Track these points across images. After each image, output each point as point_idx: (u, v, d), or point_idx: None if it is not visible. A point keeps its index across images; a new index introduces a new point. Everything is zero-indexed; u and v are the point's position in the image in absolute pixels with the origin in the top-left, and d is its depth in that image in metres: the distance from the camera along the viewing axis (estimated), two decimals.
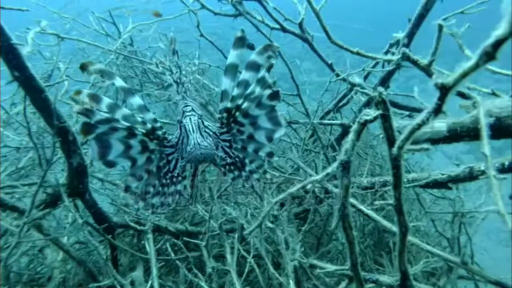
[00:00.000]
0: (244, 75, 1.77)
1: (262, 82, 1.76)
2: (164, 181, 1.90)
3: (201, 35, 2.93)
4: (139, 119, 1.71)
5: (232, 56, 1.76)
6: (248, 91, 1.77)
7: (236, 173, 2.01)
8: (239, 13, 2.80)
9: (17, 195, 2.28)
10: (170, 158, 1.89)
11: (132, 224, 2.35)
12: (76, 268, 2.37)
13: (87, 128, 1.65)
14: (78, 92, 1.59)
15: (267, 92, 1.80)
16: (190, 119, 1.80)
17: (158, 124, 1.78)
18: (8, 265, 2.19)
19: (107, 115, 1.63)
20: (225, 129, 1.91)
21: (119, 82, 1.68)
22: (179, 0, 2.90)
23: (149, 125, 1.74)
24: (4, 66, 1.70)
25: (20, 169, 2.68)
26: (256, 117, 1.88)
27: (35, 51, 2.47)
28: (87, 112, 1.58)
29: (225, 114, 1.85)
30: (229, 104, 1.81)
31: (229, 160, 1.95)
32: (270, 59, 1.75)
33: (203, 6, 2.86)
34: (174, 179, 1.93)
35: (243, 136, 1.94)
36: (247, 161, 1.98)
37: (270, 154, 1.98)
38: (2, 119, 2.52)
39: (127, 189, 1.83)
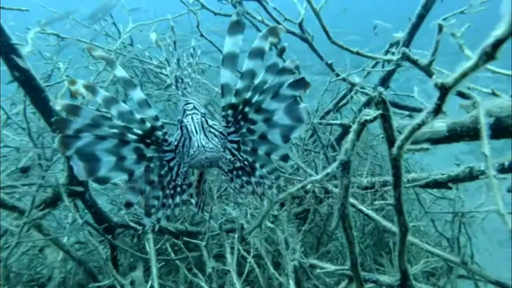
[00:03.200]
0: (248, 64, 1.53)
1: (273, 69, 1.53)
2: (167, 191, 1.67)
3: (201, 35, 2.93)
4: (138, 117, 1.48)
5: (228, 44, 1.51)
6: (257, 82, 1.54)
7: (245, 179, 1.75)
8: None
9: (17, 195, 2.28)
10: (171, 164, 1.64)
11: (132, 224, 2.35)
12: (76, 268, 2.37)
13: (66, 142, 1.41)
14: (73, 82, 1.40)
15: (288, 79, 1.55)
16: (192, 118, 1.57)
17: (159, 123, 1.54)
18: (8, 265, 2.18)
19: (92, 115, 1.41)
20: (232, 129, 1.65)
21: (120, 71, 1.47)
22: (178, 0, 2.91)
23: (148, 124, 1.51)
24: (4, 66, 1.70)
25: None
26: (272, 112, 1.62)
27: (35, 51, 2.47)
28: (71, 112, 1.38)
29: (230, 111, 1.61)
30: (233, 99, 1.57)
31: (237, 164, 1.71)
32: (273, 44, 1.52)
33: (203, 6, 2.86)
34: (178, 189, 1.70)
35: (253, 137, 1.68)
36: (257, 165, 1.73)
37: (285, 157, 1.70)
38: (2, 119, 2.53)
39: (128, 205, 1.59)
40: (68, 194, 2.13)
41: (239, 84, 1.54)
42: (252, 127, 1.65)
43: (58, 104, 1.39)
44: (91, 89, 1.41)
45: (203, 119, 1.56)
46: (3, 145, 2.63)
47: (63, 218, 2.77)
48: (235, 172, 1.74)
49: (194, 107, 1.65)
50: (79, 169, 1.45)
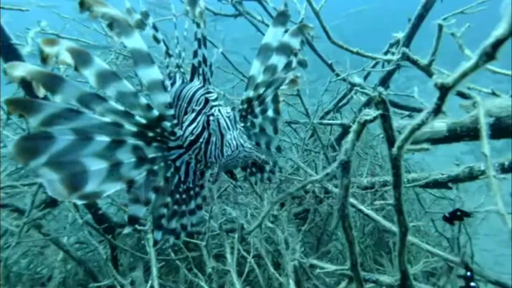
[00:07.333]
0: (274, 59, 1.41)
1: (289, 67, 1.46)
2: (178, 196, 1.41)
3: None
4: (143, 102, 1.16)
5: (269, 35, 1.39)
6: (275, 77, 1.44)
7: (259, 175, 1.64)
8: (239, 13, 2.80)
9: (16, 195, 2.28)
10: (177, 163, 1.37)
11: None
12: (76, 268, 2.37)
13: (31, 147, 0.98)
14: (51, 41, 0.97)
15: (289, 76, 1.49)
16: (219, 110, 1.33)
17: (171, 112, 1.26)
18: (8, 265, 2.18)
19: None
20: (242, 123, 1.48)
21: (135, 41, 1.11)
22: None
23: (155, 112, 1.20)
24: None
25: (20, 169, 2.68)
26: (268, 105, 1.60)
27: (34, 51, 2.47)
28: (47, 86, 0.98)
29: (245, 105, 1.45)
30: (251, 93, 1.43)
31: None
32: (303, 43, 1.44)
33: None
34: (192, 192, 1.45)
35: (256, 129, 1.60)
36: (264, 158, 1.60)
37: (279, 148, 1.66)
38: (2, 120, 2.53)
39: (133, 221, 1.29)
40: None
41: (261, 78, 1.43)
42: (254, 120, 1.59)
43: (15, 67, 0.93)
44: (79, 54, 0.99)
45: (233, 113, 1.33)
46: (3, 145, 2.63)
47: (63, 218, 2.78)
48: (248, 170, 1.63)
49: (217, 98, 1.45)
50: (54, 185, 1.03)
